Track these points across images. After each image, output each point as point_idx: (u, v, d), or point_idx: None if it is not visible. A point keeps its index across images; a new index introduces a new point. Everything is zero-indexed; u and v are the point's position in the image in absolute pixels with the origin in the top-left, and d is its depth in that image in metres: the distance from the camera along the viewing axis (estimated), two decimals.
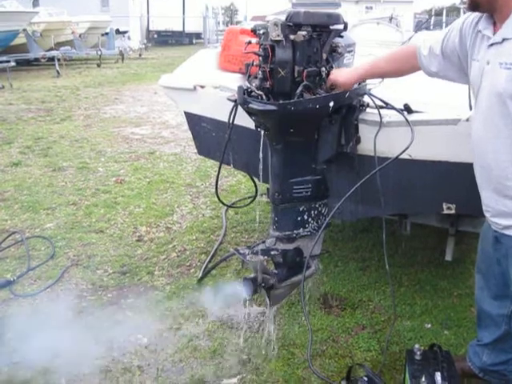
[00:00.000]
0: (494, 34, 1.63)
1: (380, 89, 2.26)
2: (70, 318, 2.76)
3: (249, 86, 2.06)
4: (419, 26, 7.55)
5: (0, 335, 2.62)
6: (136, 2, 26.09)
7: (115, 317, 2.75)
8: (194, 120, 3.05)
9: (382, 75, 2.17)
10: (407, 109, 2.09)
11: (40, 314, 2.81)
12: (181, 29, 28.02)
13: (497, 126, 1.60)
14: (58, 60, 13.80)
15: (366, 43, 3.18)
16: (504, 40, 1.57)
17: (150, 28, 28.00)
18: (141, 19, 26.04)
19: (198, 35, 28.49)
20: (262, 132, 2.16)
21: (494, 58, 1.60)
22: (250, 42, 2.11)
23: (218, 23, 33.40)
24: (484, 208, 1.79)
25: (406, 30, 6.02)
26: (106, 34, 17.96)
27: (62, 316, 2.78)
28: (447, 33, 1.86)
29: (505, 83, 1.53)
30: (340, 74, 2.06)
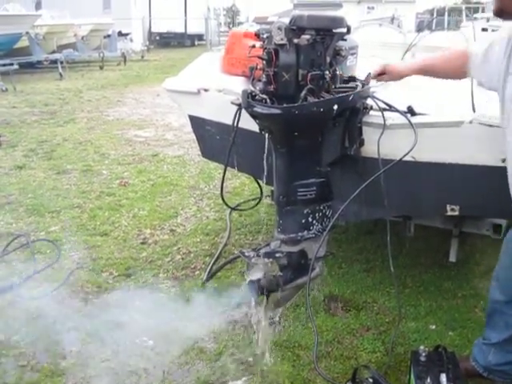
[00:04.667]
0: None
1: (384, 91, 2.27)
2: (77, 321, 2.78)
3: (253, 89, 2.08)
4: (421, 27, 7.55)
5: (7, 338, 2.64)
6: (138, 4, 26.07)
7: (121, 319, 2.76)
8: (198, 123, 3.06)
9: (434, 75, 2.15)
10: (411, 111, 2.10)
11: (46, 316, 2.82)
12: (183, 30, 27.98)
13: None
14: (61, 63, 13.80)
15: (368, 45, 3.18)
16: None
17: (152, 30, 27.97)
18: (143, 21, 26.02)
19: (200, 36, 28.47)
20: (267, 135, 2.17)
21: None
22: (253, 46, 2.13)
23: (220, 24, 33.42)
24: None
25: (408, 30, 6.03)
26: (109, 36, 17.96)
27: (67, 319, 2.79)
28: (491, 44, 1.84)
29: None
30: (397, 65, 2.21)
